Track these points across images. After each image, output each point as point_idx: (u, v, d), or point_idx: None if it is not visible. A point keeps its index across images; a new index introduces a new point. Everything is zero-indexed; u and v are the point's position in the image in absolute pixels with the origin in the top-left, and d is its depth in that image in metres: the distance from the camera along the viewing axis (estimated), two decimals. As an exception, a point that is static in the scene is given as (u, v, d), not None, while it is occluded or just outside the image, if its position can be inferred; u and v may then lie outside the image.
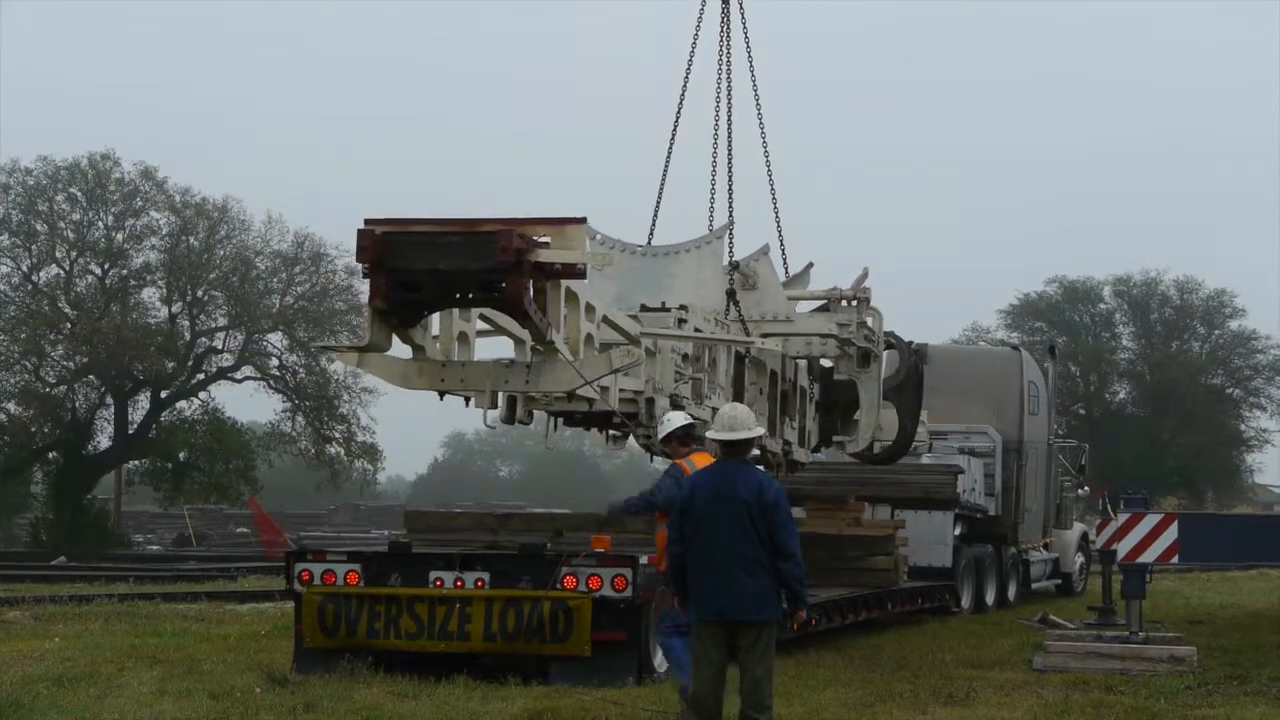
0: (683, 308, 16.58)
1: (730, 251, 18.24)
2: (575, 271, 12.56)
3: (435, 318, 13.71)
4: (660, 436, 13.68)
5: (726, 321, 17.79)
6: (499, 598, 14.82)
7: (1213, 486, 72.97)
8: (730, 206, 18.61)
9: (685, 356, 16.63)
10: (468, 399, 14.73)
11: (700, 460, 12.63)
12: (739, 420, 10.61)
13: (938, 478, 24.52)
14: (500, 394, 15.07)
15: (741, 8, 19.17)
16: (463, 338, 14.09)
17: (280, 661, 15.70)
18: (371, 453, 54.36)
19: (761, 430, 11.57)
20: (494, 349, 15.18)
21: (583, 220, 12.68)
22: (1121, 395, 73.57)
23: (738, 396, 17.86)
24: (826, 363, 20.73)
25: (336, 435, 54.01)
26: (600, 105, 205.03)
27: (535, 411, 16.32)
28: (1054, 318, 71.99)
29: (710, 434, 10.96)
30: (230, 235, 53.58)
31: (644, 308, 16.55)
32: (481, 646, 14.81)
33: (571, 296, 13.17)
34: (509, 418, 15.85)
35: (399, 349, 13.56)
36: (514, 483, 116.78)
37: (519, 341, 14.77)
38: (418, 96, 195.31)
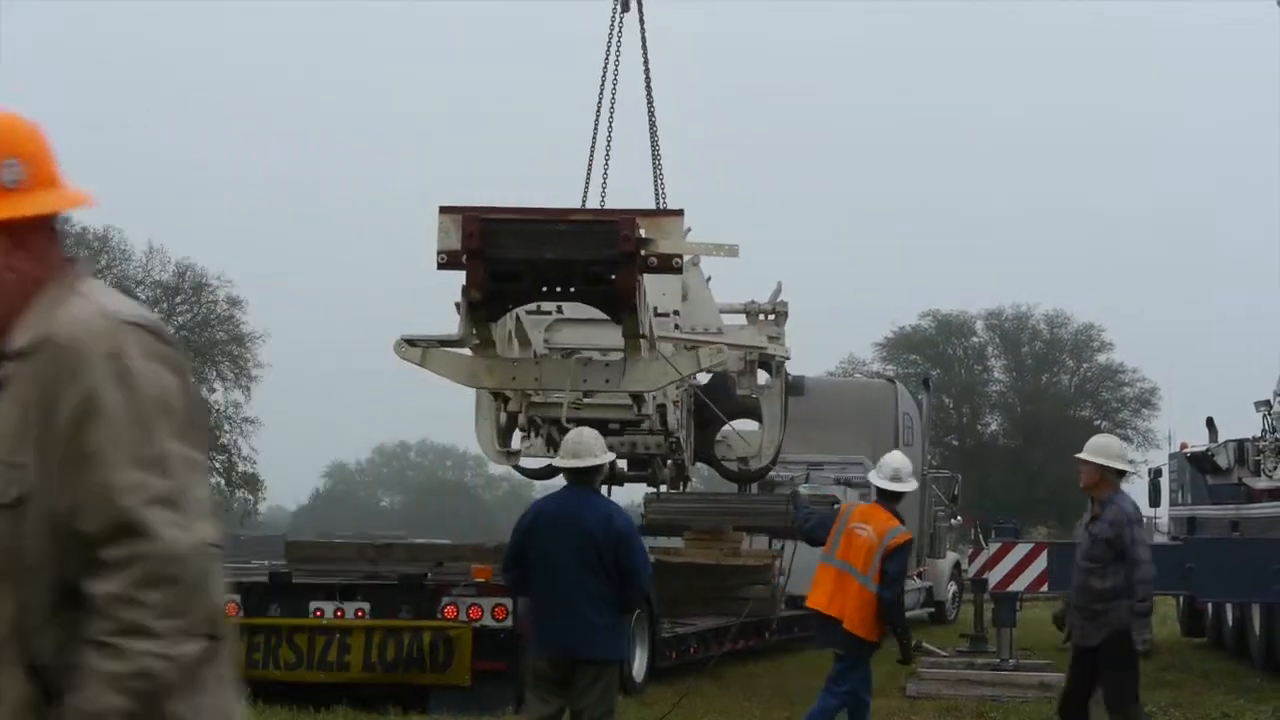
0: (676, 313, 16.47)
1: None
2: (672, 266, 12.09)
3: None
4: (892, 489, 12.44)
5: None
6: (379, 628, 14.79)
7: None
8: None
9: None
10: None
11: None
12: (585, 446, 9.66)
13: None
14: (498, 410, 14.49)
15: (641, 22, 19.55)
16: (508, 337, 13.64)
17: (158, 693, 15.59)
18: (252, 483, 54.00)
19: (610, 457, 10.36)
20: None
21: (681, 212, 12.27)
22: (993, 427, 74.47)
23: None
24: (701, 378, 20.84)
25: (217, 465, 53.52)
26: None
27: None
28: (928, 350, 72.65)
29: (555, 461, 10.38)
30: (111, 265, 53.15)
31: None
32: (361, 676, 14.74)
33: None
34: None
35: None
36: (395, 513, 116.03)
37: (525, 344, 14.34)
38: (299, 123, 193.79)
